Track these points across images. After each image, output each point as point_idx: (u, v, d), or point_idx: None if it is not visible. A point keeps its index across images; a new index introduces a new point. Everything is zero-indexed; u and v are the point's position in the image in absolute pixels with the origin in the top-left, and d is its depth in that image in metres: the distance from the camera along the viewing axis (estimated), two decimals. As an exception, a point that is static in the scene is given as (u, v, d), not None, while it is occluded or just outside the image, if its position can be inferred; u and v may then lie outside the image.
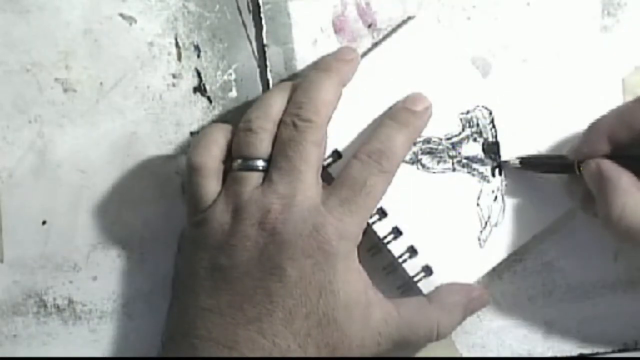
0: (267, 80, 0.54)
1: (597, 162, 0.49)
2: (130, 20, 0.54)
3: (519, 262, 0.55)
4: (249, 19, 0.54)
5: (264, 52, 0.54)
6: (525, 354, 0.55)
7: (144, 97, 0.54)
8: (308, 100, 0.49)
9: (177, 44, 0.54)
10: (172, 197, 0.54)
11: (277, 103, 0.50)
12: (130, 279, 0.54)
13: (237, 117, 0.54)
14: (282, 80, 0.54)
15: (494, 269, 0.54)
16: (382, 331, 0.49)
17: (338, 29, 0.54)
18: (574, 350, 0.55)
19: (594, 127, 0.50)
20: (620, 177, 0.48)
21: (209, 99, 0.54)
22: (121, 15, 0.53)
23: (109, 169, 0.54)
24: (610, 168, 0.48)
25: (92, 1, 0.53)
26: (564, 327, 0.55)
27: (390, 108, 0.52)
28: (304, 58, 0.54)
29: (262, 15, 0.54)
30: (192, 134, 0.54)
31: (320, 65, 0.51)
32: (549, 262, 0.55)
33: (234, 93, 0.54)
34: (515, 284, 0.55)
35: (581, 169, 0.50)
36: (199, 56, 0.54)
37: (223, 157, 0.50)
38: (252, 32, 0.54)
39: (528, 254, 0.55)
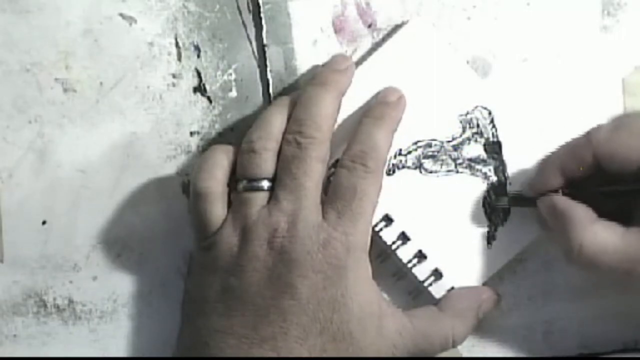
0: (267, 80, 0.54)
1: (550, 198, 0.49)
2: (130, 20, 0.54)
3: (519, 262, 0.55)
4: (249, 19, 0.54)
5: (264, 52, 0.54)
6: (525, 354, 0.55)
7: (144, 97, 0.54)
8: (309, 116, 0.49)
9: (177, 44, 0.54)
10: (172, 197, 0.54)
11: (277, 121, 0.50)
12: (130, 279, 0.54)
13: (237, 117, 0.54)
14: (283, 81, 0.54)
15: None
16: (396, 343, 0.49)
17: (338, 29, 0.54)
18: (574, 350, 0.55)
19: (546, 163, 0.51)
20: (575, 211, 0.48)
21: (209, 99, 0.54)
22: (121, 15, 0.53)
23: (109, 169, 0.54)
24: (565, 203, 0.49)
25: (92, 1, 0.53)
26: (564, 327, 0.55)
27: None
28: (304, 58, 0.54)
29: (262, 15, 0.54)
30: (192, 134, 0.54)
31: (316, 79, 0.51)
32: (549, 262, 0.55)
33: (234, 93, 0.54)
34: (515, 284, 0.55)
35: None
36: (199, 56, 0.54)
37: (227, 179, 0.50)
38: (252, 32, 0.54)
39: (528, 254, 0.54)
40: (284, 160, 0.49)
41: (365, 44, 0.54)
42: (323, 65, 0.52)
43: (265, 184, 0.49)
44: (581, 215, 0.48)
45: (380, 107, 0.51)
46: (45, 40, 0.53)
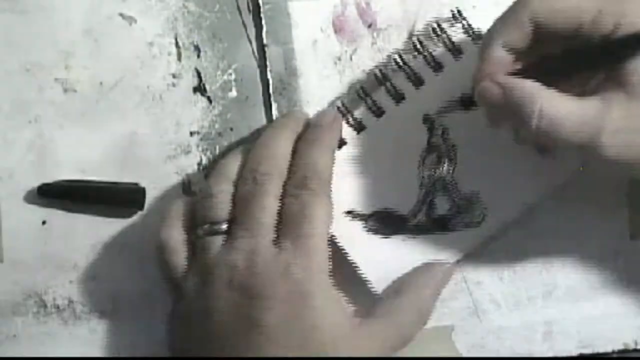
0: (267, 80, 0.54)
1: (495, 77, 0.46)
2: (130, 20, 0.54)
3: (519, 262, 0.55)
4: (249, 19, 0.54)
5: (264, 52, 0.54)
6: (525, 354, 0.55)
7: (144, 97, 0.54)
8: (265, 155, 0.50)
9: (177, 44, 0.54)
10: (172, 197, 0.54)
11: (232, 166, 0.51)
12: (130, 279, 0.54)
13: (237, 117, 0.54)
14: (283, 81, 0.54)
15: (493, 269, 0.54)
16: (372, 347, 0.48)
17: (338, 29, 0.54)
18: (574, 350, 0.55)
19: (485, 40, 0.47)
20: (526, 83, 0.45)
21: (209, 99, 0.54)
22: (121, 15, 0.54)
23: (109, 169, 0.54)
24: (512, 79, 0.45)
25: (92, 1, 0.53)
26: (564, 327, 0.55)
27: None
28: (304, 58, 0.54)
29: (262, 15, 0.54)
30: (192, 133, 0.54)
31: (273, 124, 0.52)
32: (549, 262, 0.55)
33: (234, 93, 0.54)
34: (515, 284, 0.55)
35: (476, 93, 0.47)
36: (199, 56, 0.54)
37: (188, 227, 0.51)
38: (252, 32, 0.54)
39: (528, 254, 0.54)
40: (240, 198, 0.49)
41: (365, 44, 0.54)
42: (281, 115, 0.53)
43: (223, 226, 0.49)
44: (533, 85, 0.45)
45: (315, 130, 0.51)
46: (45, 40, 0.53)
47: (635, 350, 0.55)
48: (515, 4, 0.47)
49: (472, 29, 0.53)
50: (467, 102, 0.52)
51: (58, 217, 0.54)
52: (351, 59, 0.54)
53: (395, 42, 0.54)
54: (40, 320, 0.54)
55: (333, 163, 0.51)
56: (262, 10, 0.54)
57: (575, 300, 0.55)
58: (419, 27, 0.54)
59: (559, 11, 0.45)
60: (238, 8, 0.54)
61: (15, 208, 0.53)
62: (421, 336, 0.53)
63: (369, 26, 0.54)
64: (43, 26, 0.53)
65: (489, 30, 0.48)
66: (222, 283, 0.48)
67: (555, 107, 0.44)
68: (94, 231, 0.54)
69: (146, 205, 0.54)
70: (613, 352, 0.55)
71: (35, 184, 0.53)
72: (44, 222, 0.54)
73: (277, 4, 0.54)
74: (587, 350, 0.55)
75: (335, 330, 0.47)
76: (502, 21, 0.47)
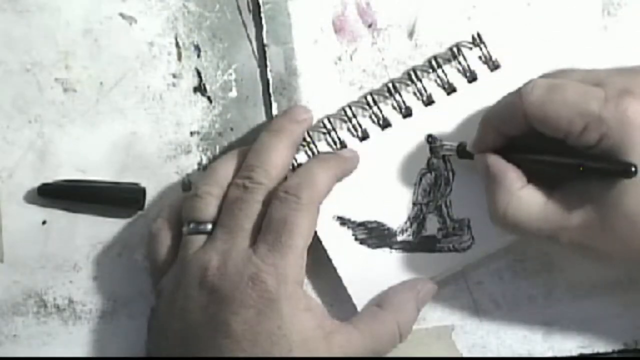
0: (267, 80, 0.54)
1: (485, 158, 0.49)
2: (130, 20, 0.54)
3: (519, 262, 0.55)
4: (249, 19, 0.54)
5: (264, 52, 0.54)
6: (525, 354, 0.55)
7: (144, 97, 0.54)
8: (259, 163, 0.50)
9: (177, 44, 0.54)
10: (172, 197, 0.54)
11: (223, 169, 0.51)
12: (130, 279, 0.54)
13: (237, 117, 0.54)
14: (283, 81, 0.54)
15: (493, 269, 0.54)
16: (347, 353, 0.48)
17: (338, 29, 0.54)
18: (574, 350, 0.55)
19: (483, 121, 0.49)
20: (505, 174, 0.48)
21: (209, 98, 0.54)
22: (121, 15, 0.54)
23: (109, 169, 0.54)
24: (497, 164, 0.48)
25: (92, 1, 0.53)
26: (564, 327, 0.55)
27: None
28: (304, 58, 0.54)
29: (262, 15, 0.54)
30: (192, 133, 0.54)
31: (272, 127, 0.51)
32: (549, 262, 0.55)
33: (234, 93, 0.54)
34: (515, 284, 0.55)
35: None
36: (199, 56, 0.54)
37: (178, 223, 0.51)
38: (252, 32, 0.54)
39: (528, 254, 0.54)
40: (228, 201, 0.50)
41: (365, 44, 0.54)
42: (281, 114, 0.53)
43: (208, 227, 0.50)
44: (510, 179, 0.48)
45: (330, 154, 0.52)
46: (45, 40, 0.53)
47: (635, 350, 0.55)
48: (512, 99, 0.48)
49: (491, 57, 0.53)
50: (462, 153, 0.51)
51: (58, 217, 0.54)
52: (351, 59, 0.54)
53: (395, 42, 0.54)
54: (40, 320, 0.54)
55: (332, 186, 0.51)
56: (262, 10, 0.54)
57: (575, 300, 0.55)
58: (419, 28, 0.54)
59: (550, 119, 0.46)
60: (238, 8, 0.54)
61: (15, 208, 0.53)
62: (421, 336, 0.53)
63: (369, 26, 0.54)
64: (43, 26, 0.53)
65: (486, 115, 0.49)
66: (194, 283, 0.48)
67: (520, 210, 0.47)
68: (94, 231, 0.54)
69: (146, 205, 0.54)
70: (613, 352, 0.55)
71: (35, 184, 0.53)
72: (44, 222, 0.54)
73: (277, 4, 0.54)
74: (587, 350, 0.55)
75: (305, 334, 0.47)
76: (499, 112, 0.49)
